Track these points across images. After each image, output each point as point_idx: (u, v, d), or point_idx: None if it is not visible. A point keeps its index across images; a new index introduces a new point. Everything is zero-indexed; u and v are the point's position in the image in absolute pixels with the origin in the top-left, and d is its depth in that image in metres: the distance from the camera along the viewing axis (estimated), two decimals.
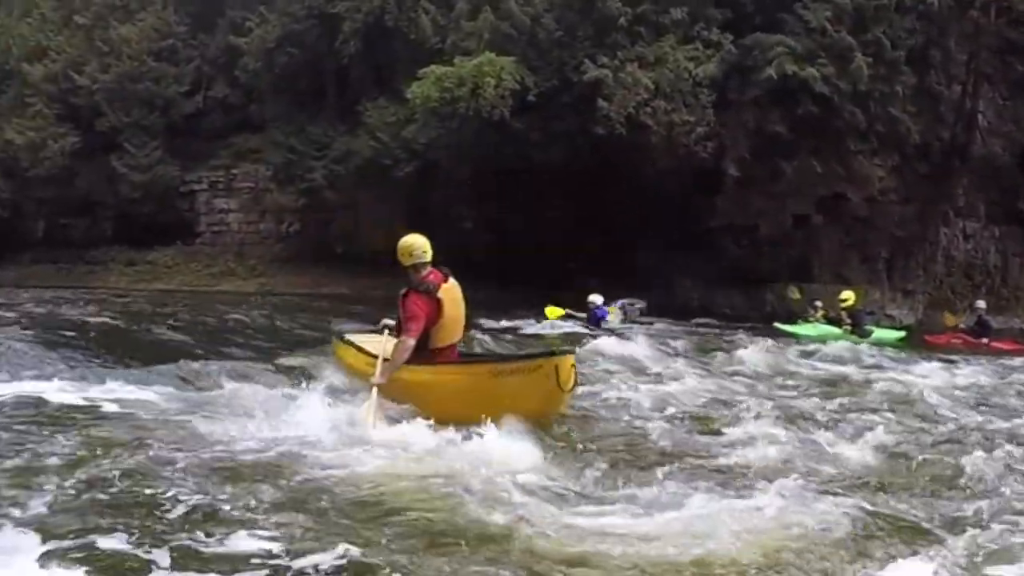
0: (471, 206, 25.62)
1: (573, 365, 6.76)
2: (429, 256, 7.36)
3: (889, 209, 24.34)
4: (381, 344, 7.62)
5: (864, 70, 22.48)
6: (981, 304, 19.45)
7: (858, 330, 17.53)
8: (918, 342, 17.84)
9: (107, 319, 14.22)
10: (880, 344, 16.14)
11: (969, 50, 25.39)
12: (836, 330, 17.61)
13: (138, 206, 32.43)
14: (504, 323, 17.86)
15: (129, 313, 16.29)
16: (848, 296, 18.34)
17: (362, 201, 28.11)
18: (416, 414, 6.48)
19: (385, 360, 7.11)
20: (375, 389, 6.73)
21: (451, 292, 7.38)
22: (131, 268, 32.60)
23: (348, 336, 8.90)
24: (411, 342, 6.94)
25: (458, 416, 6.29)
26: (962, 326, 19.06)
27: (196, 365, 8.70)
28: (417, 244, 7.40)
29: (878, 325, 19.18)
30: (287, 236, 31.58)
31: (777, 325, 18.31)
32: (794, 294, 20.98)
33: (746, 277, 23.38)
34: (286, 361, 9.78)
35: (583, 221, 24.21)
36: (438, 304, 7.19)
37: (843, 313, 18.01)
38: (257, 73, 30.26)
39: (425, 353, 7.12)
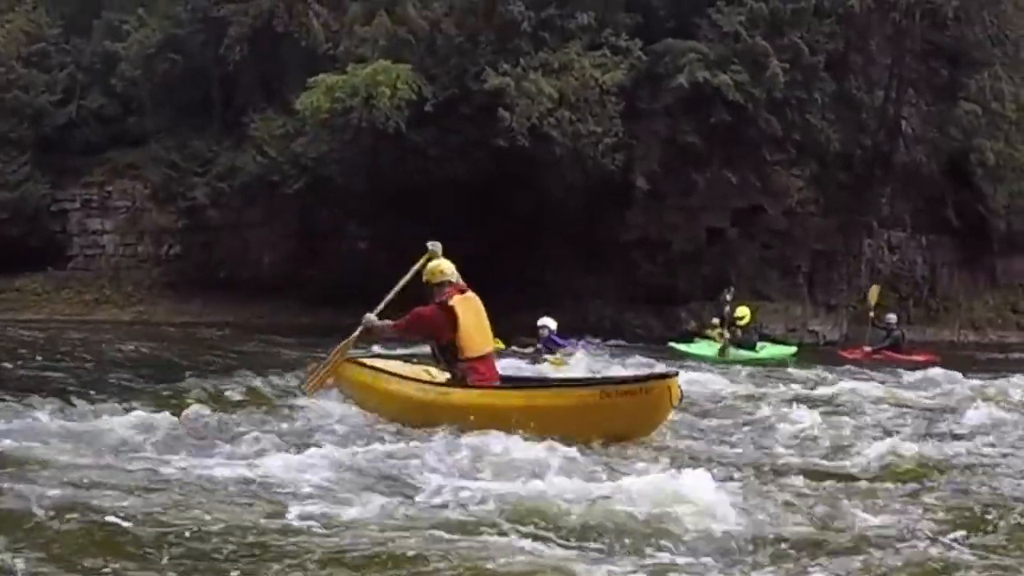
0: (366, 225, 25.92)
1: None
2: (456, 278, 8.73)
3: (809, 221, 25.31)
4: (415, 371, 9.03)
5: (780, 76, 23.40)
6: (891, 317, 20.59)
7: (750, 345, 18.47)
8: (833, 358, 18.73)
9: None
10: (768, 362, 17.00)
11: (892, 54, 26.47)
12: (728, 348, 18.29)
13: (4, 227, 31.89)
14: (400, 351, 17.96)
15: None
16: (743, 313, 19.08)
17: (248, 221, 28.16)
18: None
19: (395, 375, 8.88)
20: (360, 328, 9.05)
21: (466, 302, 8.57)
22: None
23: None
24: (392, 327, 8.99)
25: (566, 436, 7.10)
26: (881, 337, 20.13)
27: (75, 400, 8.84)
28: (449, 266, 8.86)
29: (776, 342, 20.14)
30: (167, 260, 31.34)
31: (671, 344, 19.02)
32: (873, 298, 21.37)
33: (660, 295, 24.09)
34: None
35: (488, 239, 24.63)
36: (450, 313, 8.35)
37: (737, 331, 18.73)
38: (136, 81, 30.04)
39: (461, 364, 8.37)
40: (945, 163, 27.60)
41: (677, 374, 7.99)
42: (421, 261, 9.40)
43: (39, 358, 14.09)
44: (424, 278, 8.81)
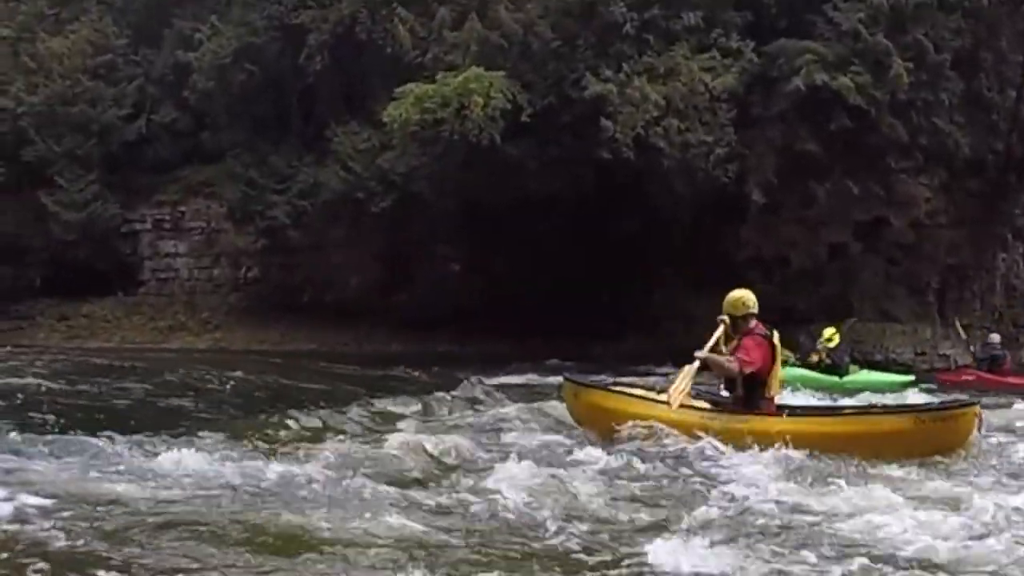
0: (458, 245, 26.22)
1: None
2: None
3: (938, 234, 25.12)
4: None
5: (904, 77, 23.27)
6: (995, 337, 20.45)
7: (836, 370, 18.05)
8: (931, 380, 18.59)
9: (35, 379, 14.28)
10: (861, 388, 16.45)
11: None
12: (808, 373, 18.01)
13: (72, 250, 32.61)
14: (504, 379, 18.13)
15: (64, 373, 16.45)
16: (830, 334, 18.81)
17: (332, 242, 28.60)
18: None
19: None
20: (696, 362, 9.26)
21: (777, 344, 9.34)
22: (64, 323, 32.81)
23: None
24: (738, 367, 9.08)
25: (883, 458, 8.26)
26: (978, 355, 19.96)
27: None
28: (750, 296, 9.55)
29: (886, 368, 19.84)
30: (245, 283, 31.90)
31: None
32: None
33: (776, 317, 23.92)
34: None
35: (589, 259, 24.83)
36: (773, 350, 9.22)
37: (823, 354, 18.50)
38: (209, 94, 30.53)
39: (761, 402, 9.23)
40: None
41: (980, 402, 9.17)
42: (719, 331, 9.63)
43: (110, 387, 14.16)
44: (727, 311, 9.45)
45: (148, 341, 30.92)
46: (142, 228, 33.64)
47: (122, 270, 33.31)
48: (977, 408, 8.98)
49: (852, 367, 18.63)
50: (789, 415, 9.39)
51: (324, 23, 27.98)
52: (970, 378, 18.93)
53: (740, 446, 8.60)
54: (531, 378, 18.92)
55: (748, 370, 9.11)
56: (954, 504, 6.77)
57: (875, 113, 23.59)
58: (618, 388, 10.17)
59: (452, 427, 10.04)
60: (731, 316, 9.41)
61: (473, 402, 12.82)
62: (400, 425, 10.31)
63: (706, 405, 9.65)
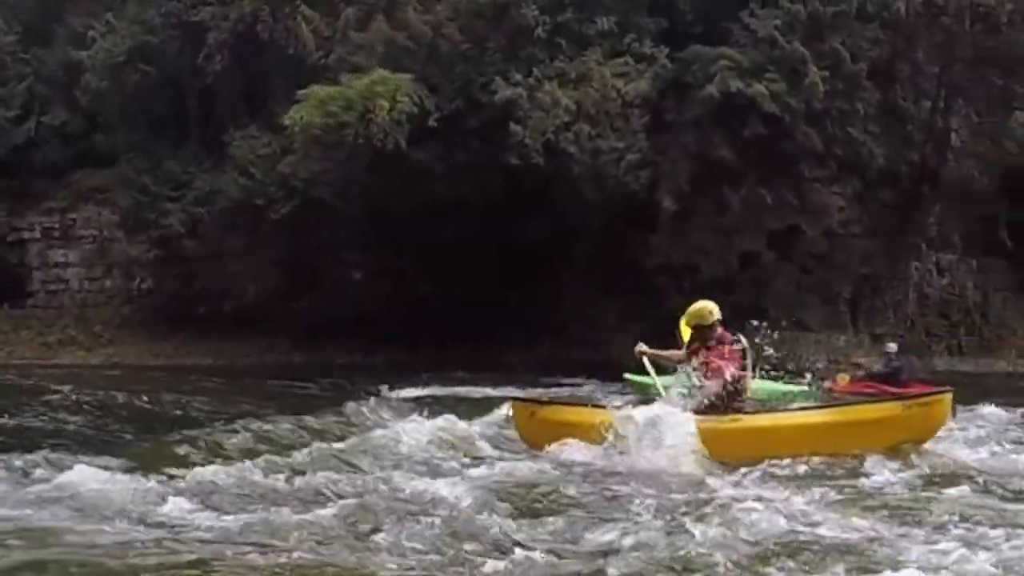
0: (362, 252, 26.01)
1: None
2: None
3: (851, 243, 25.54)
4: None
5: (820, 86, 23.63)
6: (892, 346, 20.76)
7: None
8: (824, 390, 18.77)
9: None
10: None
11: (940, 62, 26.71)
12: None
13: None
14: (411, 391, 17.90)
15: None
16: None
17: (230, 251, 28.18)
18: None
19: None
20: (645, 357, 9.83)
21: (745, 347, 9.80)
22: None
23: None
24: (731, 374, 9.45)
25: (862, 447, 8.90)
26: (876, 368, 20.28)
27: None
28: (714, 305, 9.82)
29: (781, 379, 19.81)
30: (138, 295, 31.32)
31: (627, 376, 18.88)
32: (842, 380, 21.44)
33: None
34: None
35: (497, 265, 24.74)
36: (744, 355, 9.65)
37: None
38: (102, 94, 29.95)
39: (739, 406, 9.58)
40: (999, 179, 27.84)
41: (952, 389, 9.89)
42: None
43: None
44: (692, 321, 9.78)
45: (37, 356, 30.19)
46: (30, 237, 32.91)
47: (9, 281, 32.47)
48: (951, 395, 9.73)
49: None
50: (809, 409, 10.29)
51: (224, 21, 27.60)
52: (870, 390, 19.04)
53: (728, 447, 8.95)
54: (435, 390, 18.79)
55: (738, 375, 9.63)
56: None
57: (790, 121, 23.88)
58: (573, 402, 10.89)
59: (350, 444, 9.72)
60: (699, 326, 9.72)
61: (372, 416, 12.57)
62: (296, 445, 9.95)
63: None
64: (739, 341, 9.70)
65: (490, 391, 18.36)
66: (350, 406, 12.81)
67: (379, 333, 25.03)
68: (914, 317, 27.32)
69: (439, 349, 23.43)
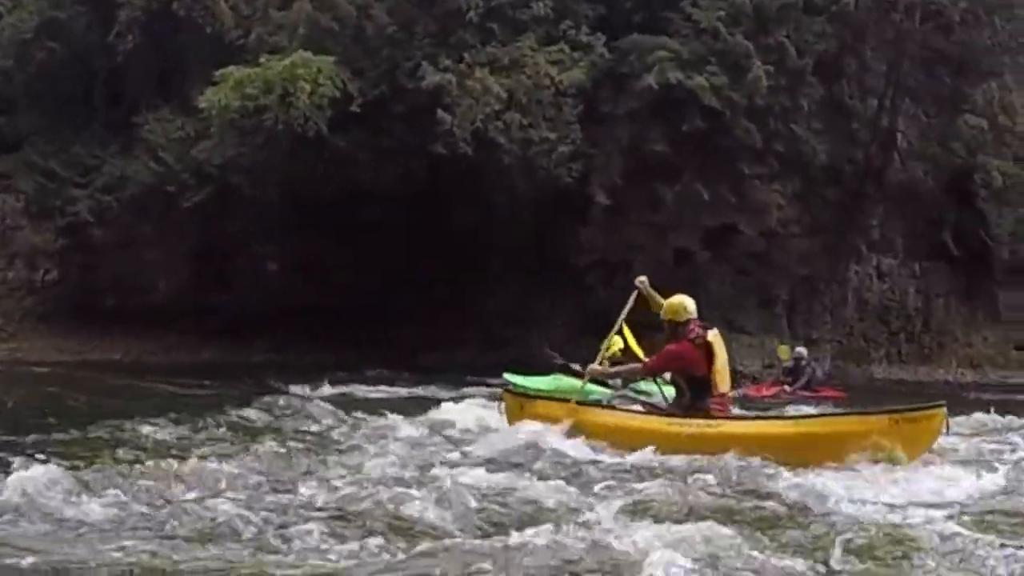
0: (280, 243, 25.71)
1: None
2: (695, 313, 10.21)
3: (790, 243, 25.67)
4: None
5: (763, 80, 23.78)
6: (801, 350, 21.09)
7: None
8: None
9: None
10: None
11: (889, 59, 27.02)
12: (577, 383, 18.01)
13: None
14: (326, 390, 17.70)
15: None
16: (615, 342, 18.74)
17: (140, 240, 27.66)
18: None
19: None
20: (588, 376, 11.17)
21: (718, 339, 10.11)
22: None
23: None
24: (642, 368, 10.95)
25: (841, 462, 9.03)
26: (785, 365, 20.65)
27: None
28: (691, 302, 10.26)
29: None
30: (43, 287, 30.57)
31: (506, 375, 18.85)
32: (783, 353, 21.69)
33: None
34: None
35: (422, 260, 24.58)
36: (708, 349, 9.91)
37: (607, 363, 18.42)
38: (7, 73, 29.46)
39: (706, 401, 9.93)
40: (945, 182, 28.28)
41: (944, 404, 9.82)
42: (631, 300, 11.26)
43: None
44: (667, 316, 10.19)
45: None
46: None
47: None
48: (944, 410, 9.67)
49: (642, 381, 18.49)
50: (755, 419, 10.50)
51: None
52: (775, 391, 19.31)
53: (702, 450, 9.27)
54: (355, 389, 18.61)
55: (652, 368, 10.62)
56: None
57: (730, 116, 24.02)
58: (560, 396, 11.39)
59: (256, 446, 9.58)
60: (671, 322, 10.12)
61: (282, 417, 12.52)
62: (193, 448, 9.79)
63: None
64: (699, 338, 9.97)
65: (418, 391, 18.25)
66: (262, 404, 12.75)
67: (295, 330, 24.75)
68: (852, 322, 27.56)
69: (359, 346, 23.21)
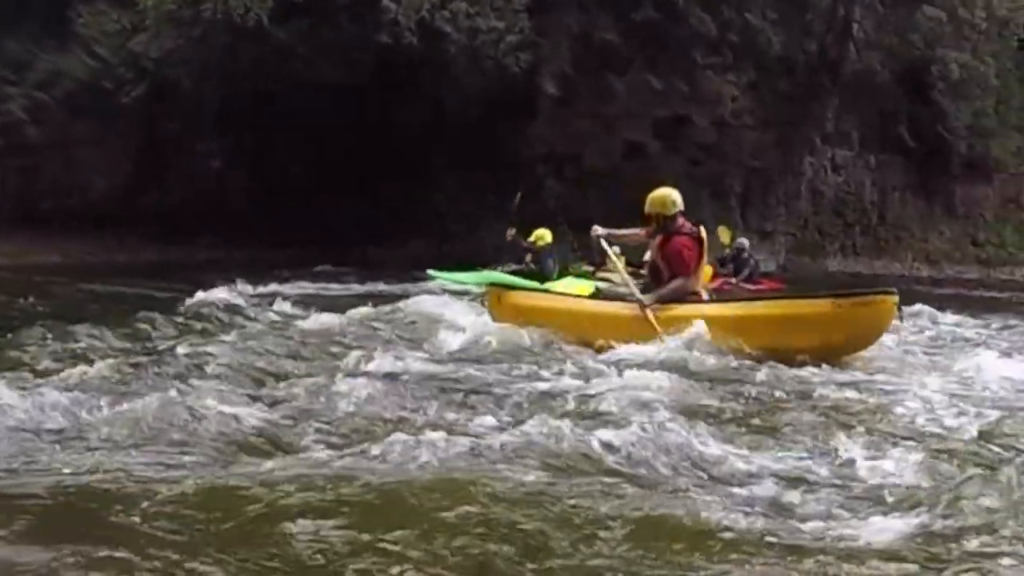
0: (221, 140, 25.41)
1: None
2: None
3: (743, 135, 25.75)
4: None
5: None
6: (743, 241, 21.12)
7: (540, 275, 17.61)
8: None
9: None
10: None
11: None
12: (507, 277, 17.96)
13: None
14: (271, 287, 17.55)
15: None
16: (540, 234, 18.71)
17: (77, 139, 27.21)
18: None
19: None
20: (648, 310, 9.43)
21: (704, 240, 9.87)
22: None
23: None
24: (688, 281, 9.58)
25: (793, 348, 8.70)
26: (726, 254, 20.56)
27: None
28: (676, 194, 9.86)
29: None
30: None
31: (431, 272, 18.84)
32: (724, 236, 21.61)
33: (569, 219, 24.15)
34: None
35: (368, 157, 24.41)
36: (701, 247, 9.70)
37: (527, 256, 18.32)
38: None
39: (686, 297, 9.56)
40: (901, 74, 28.31)
41: (895, 291, 9.51)
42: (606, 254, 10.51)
43: None
44: (653, 209, 9.76)
45: None
46: None
47: None
48: (895, 297, 9.36)
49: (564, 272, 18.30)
50: (737, 301, 10.40)
51: None
52: (718, 282, 19.32)
53: (659, 333, 9.18)
54: (302, 286, 18.54)
55: (689, 277, 9.79)
56: None
57: (683, 4, 23.93)
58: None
59: (209, 340, 9.38)
60: (658, 215, 9.76)
61: (237, 313, 12.18)
62: (145, 344, 9.58)
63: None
64: (695, 233, 9.79)
65: (357, 287, 18.28)
66: (199, 300, 12.54)
67: (238, 228, 24.55)
68: (807, 215, 27.76)
69: (303, 244, 23.05)
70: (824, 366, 8.54)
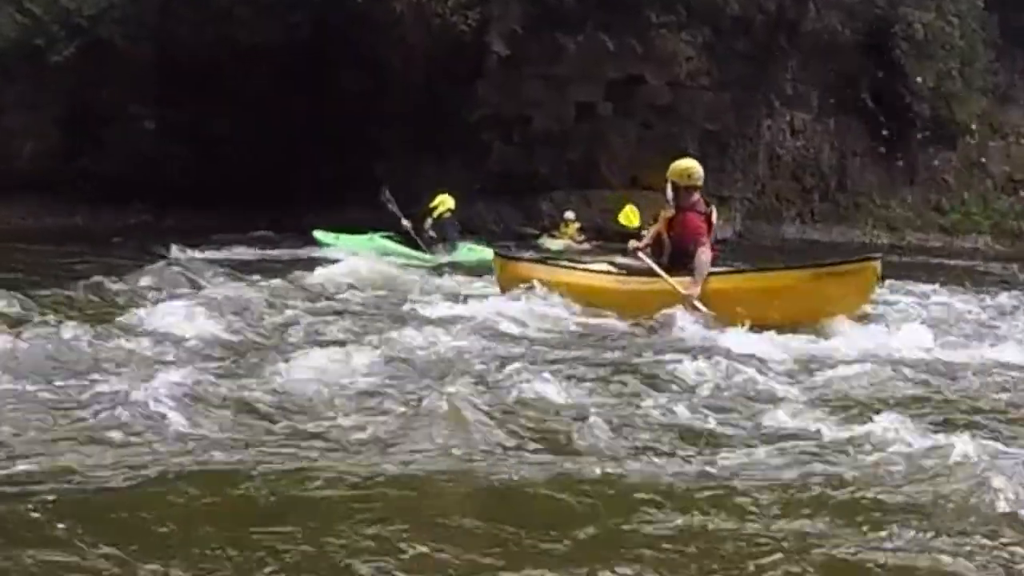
0: (154, 105, 25.17)
1: None
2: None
3: (698, 96, 25.65)
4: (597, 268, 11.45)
5: None
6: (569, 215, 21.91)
7: (428, 246, 18.35)
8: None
9: None
10: (457, 266, 16.68)
11: None
12: (389, 244, 18.24)
13: None
14: (208, 253, 17.56)
15: None
16: (439, 201, 18.95)
17: (4, 102, 26.87)
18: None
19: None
20: (696, 301, 9.65)
21: (714, 218, 10.48)
22: None
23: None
24: (710, 253, 9.98)
25: (779, 318, 9.09)
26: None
27: None
28: (699, 168, 10.54)
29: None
30: None
31: (316, 234, 19.02)
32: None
33: (517, 184, 24.24)
34: None
35: (305, 121, 24.28)
36: (710, 226, 10.23)
37: (427, 224, 18.78)
38: None
39: (683, 271, 9.96)
40: (863, 35, 28.25)
41: (880, 257, 10.04)
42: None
43: None
44: (673, 178, 10.30)
45: None
46: None
47: None
48: (876, 263, 9.77)
49: (461, 244, 18.80)
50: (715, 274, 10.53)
51: None
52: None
53: (641, 308, 9.65)
54: (239, 252, 18.54)
55: (705, 241, 10.12)
56: None
57: None
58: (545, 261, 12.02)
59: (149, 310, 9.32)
60: (674, 184, 10.25)
61: (175, 282, 12.02)
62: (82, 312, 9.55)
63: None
64: (707, 212, 10.32)
65: (297, 252, 18.32)
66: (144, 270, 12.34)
67: (172, 193, 24.40)
68: (764, 180, 27.82)
69: (238, 209, 22.88)
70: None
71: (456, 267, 16.51)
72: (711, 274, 10.06)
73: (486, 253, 17.63)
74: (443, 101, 23.92)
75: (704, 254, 9.87)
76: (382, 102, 24.04)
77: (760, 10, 26.70)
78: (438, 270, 15.96)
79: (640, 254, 10.41)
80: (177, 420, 5.45)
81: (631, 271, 10.68)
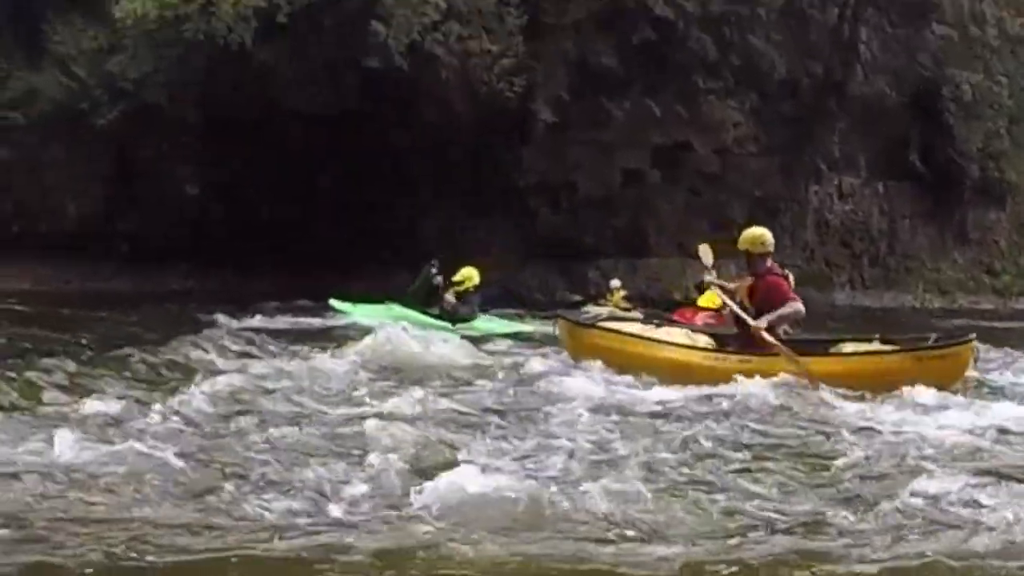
0: (199, 165, 25.51)
1: None
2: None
3: (746, 163, 25.88)
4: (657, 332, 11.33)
5: None
6: (615, 283, 21.63)
7: (453, 315, 18.02)
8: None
9: None
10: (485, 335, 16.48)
11: None
12: (410, 312, 18.24)
13: None
14: (256, 321, 17.74)
15: None
16: (465, 275, 18.65)
17: (49, 161, 27.31)
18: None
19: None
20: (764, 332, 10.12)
21: (791, 282, 10.82)
22: None
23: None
24: (798, 304, 10.43)
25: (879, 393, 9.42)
26: None
27: None
28: (769, 234, 10.65)
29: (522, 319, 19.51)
30: None
31: (333, 302, 19.08)
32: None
33: (563, 250, 24.36)
34: None
35: (351, 184, 24.55)
36: (790, 287, 10.57)
37: (449, 296, 18.55)
38: None
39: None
40: (911, 97, 28.54)
41: (975, 338, 10.48)
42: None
43: None
44: (746, 247, 10.42)
45: None
46: None
47: None
48: (973, 344, 10.32)
49: (482, 315, 18.60)
50: (821, 356, 10.69)
51: None
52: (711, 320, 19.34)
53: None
54: (287, 321, 18.70)
55: (790, 298, 10.43)
56: None
57: (683, 27, 24.08)
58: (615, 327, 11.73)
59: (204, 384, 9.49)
60: (748, 253, 10.43)
61: (223, 351, 12.18)
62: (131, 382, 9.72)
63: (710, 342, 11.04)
64: (785, 275, 10.68)
65: (342, 321, 18.47)
66: (186, 340, 12.49)
67: (215, 259, 24.68)
68: (813, 245, 27.92)
69: (283, 275, 23.18)
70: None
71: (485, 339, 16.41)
72: (821, 353, 10.41)
73: (506, 325, 18.21)
74: (489, 165, 24.15)
75: (790, 306, 10.33)
76: (428, 166, 24.29)
77: (807, 73, 27.02)
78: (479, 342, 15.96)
79: (717, 290, 10.88)
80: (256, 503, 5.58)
81: (716, 338, 10.99)
